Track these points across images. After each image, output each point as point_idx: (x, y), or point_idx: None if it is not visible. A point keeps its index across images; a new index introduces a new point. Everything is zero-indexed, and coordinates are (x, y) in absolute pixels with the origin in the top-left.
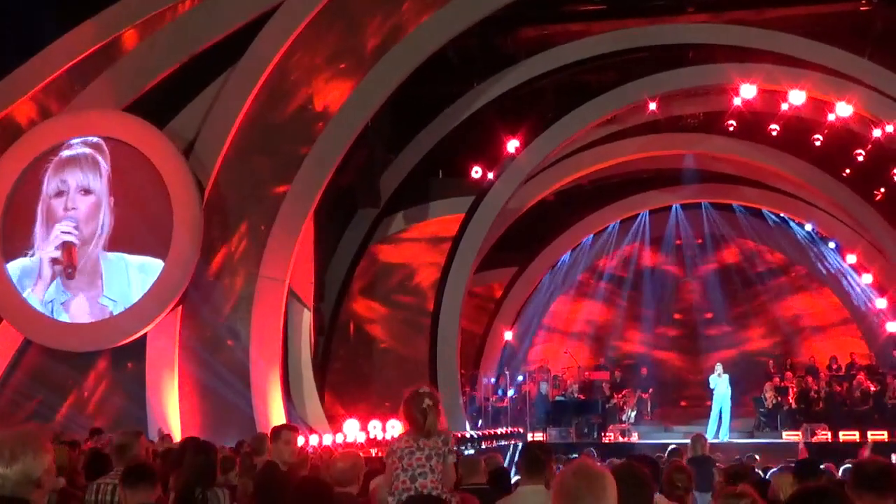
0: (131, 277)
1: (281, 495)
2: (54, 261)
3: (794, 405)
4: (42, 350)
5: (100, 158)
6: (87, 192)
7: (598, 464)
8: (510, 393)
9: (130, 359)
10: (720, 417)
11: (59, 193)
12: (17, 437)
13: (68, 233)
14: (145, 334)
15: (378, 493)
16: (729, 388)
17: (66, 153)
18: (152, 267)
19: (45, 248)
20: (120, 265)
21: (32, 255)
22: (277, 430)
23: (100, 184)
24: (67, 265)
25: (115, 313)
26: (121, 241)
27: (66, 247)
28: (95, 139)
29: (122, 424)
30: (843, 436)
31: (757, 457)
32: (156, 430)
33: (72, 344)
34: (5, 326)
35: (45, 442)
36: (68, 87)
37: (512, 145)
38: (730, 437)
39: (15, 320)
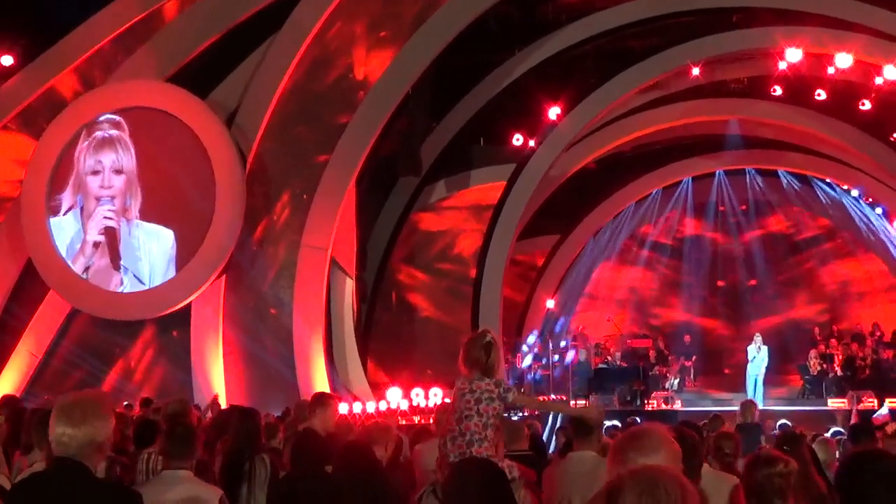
0: (143, 245)
1: (319, 462)
2: (96, 244)
3: (839, 372)
4: (89, 319)
5: (126, 138)
6: (119, 171)
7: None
8: (555, 358)
9: (176, 327)
10: (755, 387)
11: (95, 172)
12: (87, 400)
13: (110, 218)
14: (190, 303)
15: (421, 458)
16: (766, 360)
17: (98, 134)
18: (161, 234)
19: (89, 228)
20: (135, 234)
21: (62, 215)
22: (318, 397)
23: (131, 163)
24: (113, 256)
25: (124, 281)
26: (153, 211)
27: (109, 231)
28: (117, 118)
29: (168, 392)
30: (890, 403)
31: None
32: (202, 397)
33: (118, 313)
34: (53, 296)
35: (110, 408)
36: (111, 58)
37: (553, 112)
38: (775, 405)
39: (62, 290)
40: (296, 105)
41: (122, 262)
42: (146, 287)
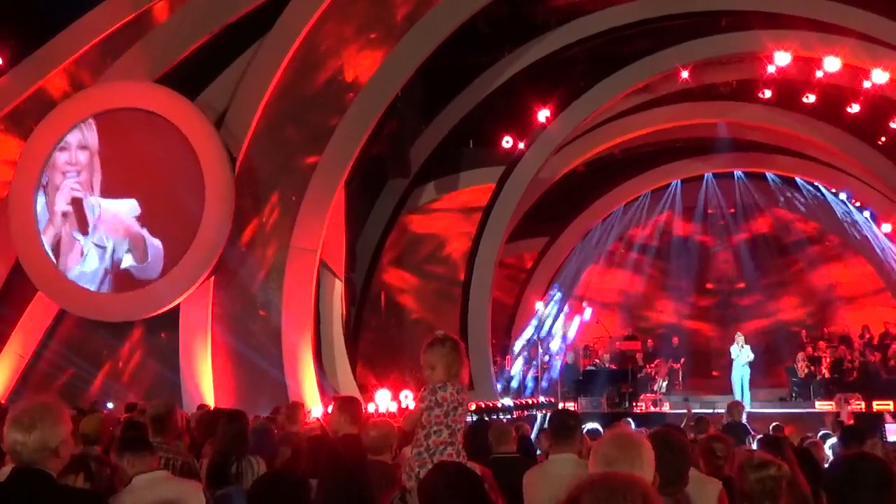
0: (111, 220)
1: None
2: (65, 214)
3: (827, 375)
4: (77, 320)
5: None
6: (84, 147)
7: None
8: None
9: (164, 329)
10: (742, 388)
11: (62, 149)
12: (36, 407)
13: (76, 189)
14: (179, 304)
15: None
16: (751, 357)
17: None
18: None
19: (57, 200)
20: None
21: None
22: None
23: (94, 139)
24: (80, 219)
25: (86, 251)
26: (144, 213)
27: (76, 201)
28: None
29: (156, 394)
30: (877, 406)
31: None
32: (190, 399)
33: (106, 314)
34: (41, 297)
35: (63, 412)
36: (100, 59)
37: (543, 115)
38: (762, 407)
39: (49, 291)
40: (285, 107)
41: (88, 229)
42: (106, 252)
